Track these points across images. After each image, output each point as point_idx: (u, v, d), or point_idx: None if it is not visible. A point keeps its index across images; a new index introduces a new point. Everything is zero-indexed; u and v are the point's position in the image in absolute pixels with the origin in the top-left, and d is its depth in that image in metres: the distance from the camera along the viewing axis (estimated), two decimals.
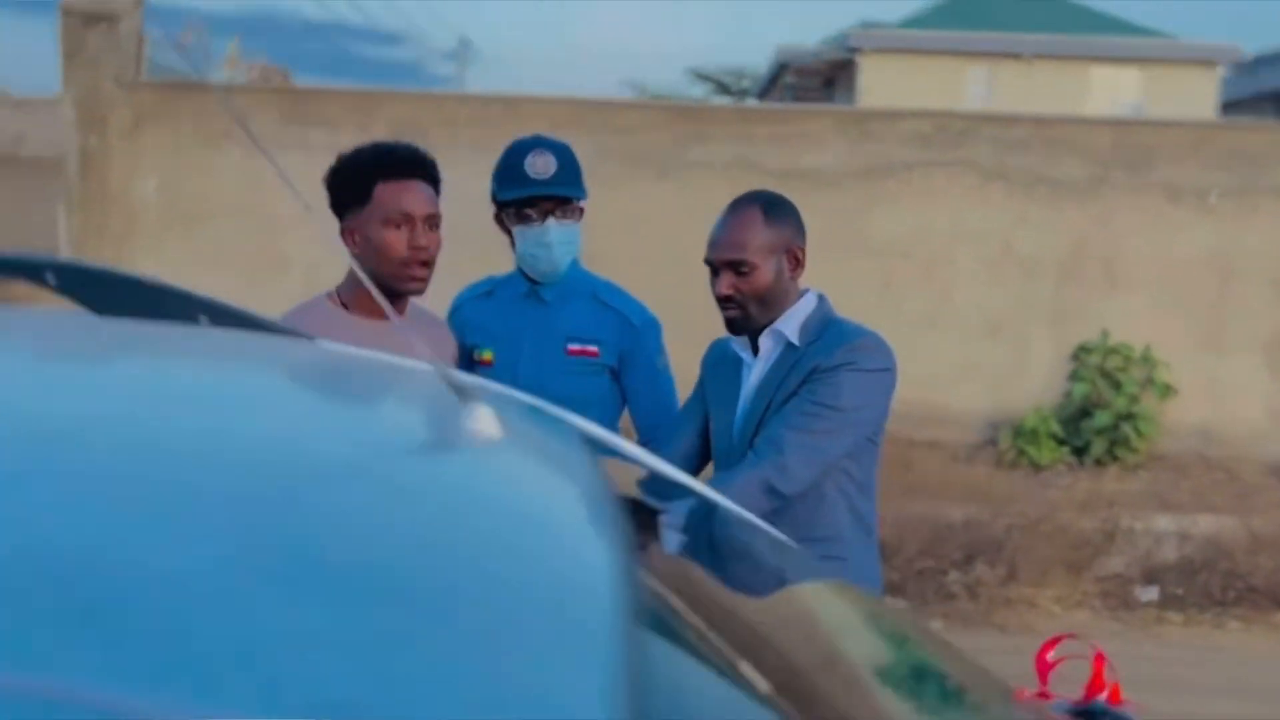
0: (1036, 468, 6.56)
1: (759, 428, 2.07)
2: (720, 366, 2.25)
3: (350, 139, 7.77)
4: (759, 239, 2.06)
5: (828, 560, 2.09)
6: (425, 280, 2.14)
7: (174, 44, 7.96)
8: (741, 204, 2.11)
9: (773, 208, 2.10)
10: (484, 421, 0.83)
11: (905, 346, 8.12)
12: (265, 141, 2.31)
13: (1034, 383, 7.10)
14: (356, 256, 2.06)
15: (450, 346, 2.31)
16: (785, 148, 7.21)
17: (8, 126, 13.17)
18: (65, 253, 7.23)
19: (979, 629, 4.39)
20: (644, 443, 2.51)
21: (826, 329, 2.09)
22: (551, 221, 2.34)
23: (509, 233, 2.42)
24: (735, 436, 2.15)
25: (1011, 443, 6.87)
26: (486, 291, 2.52)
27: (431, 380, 0.88)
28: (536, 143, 2.39)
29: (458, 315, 2.52)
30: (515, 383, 2.40)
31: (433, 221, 2.13)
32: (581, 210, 2.42)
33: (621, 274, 8.20)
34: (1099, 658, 1.53)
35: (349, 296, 2.13)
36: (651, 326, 2.49)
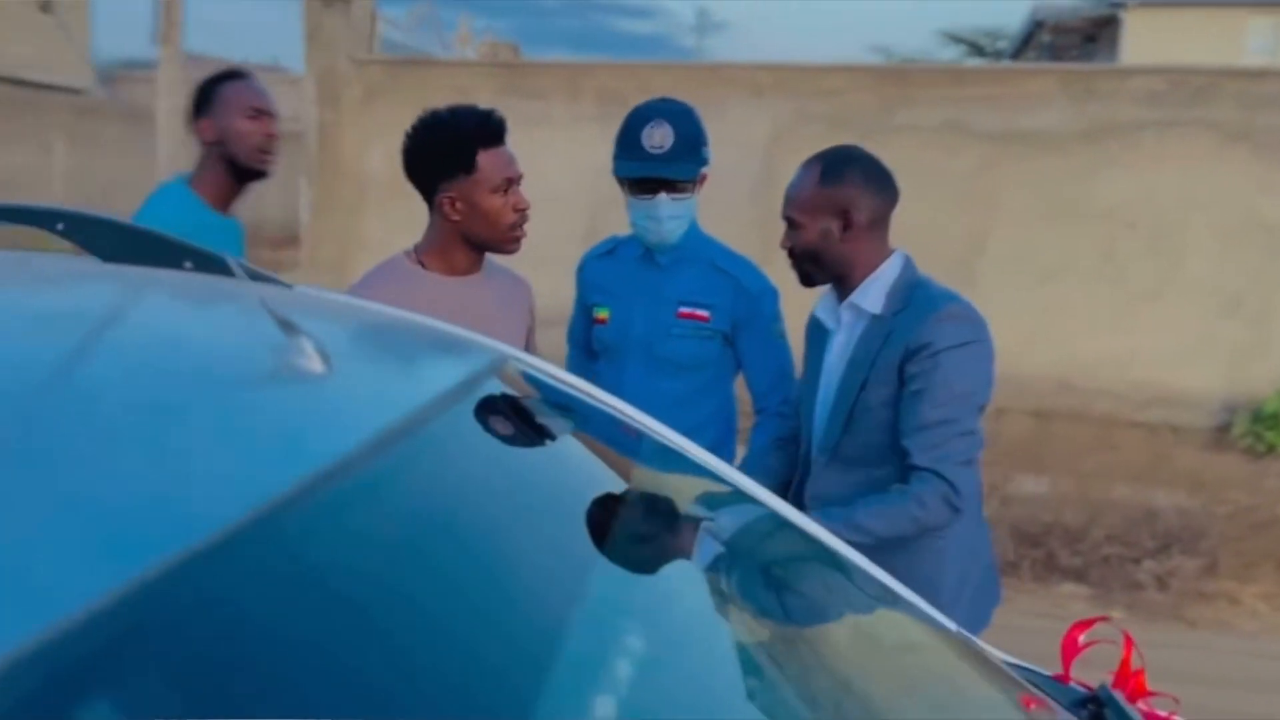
0: (1275, 454, 5.99)
1: (854, 404, 2.01)
2: (813, 337, 2.20)
3: (561, 110, 7.93)
4: (807, 197, 1.99)
5: (930, 539, 2.00)
6: (524, 237, 2.20)
7: (404, 24, 8.43)
8: (810, 161, 2.04)
9: (833, 167, 2.00)
10: (304, 355, 0.88)
11: (1128, 320, 7.64)
12: None
13: (1277, 363, 6.47)
14: (455, 221, 2.14)
15: (527, 300, 2.35)
16: (1001, 109, 6.86)
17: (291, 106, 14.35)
18: (305, 218, 7.86)
19: (1165, 623, 4.08)
20: (758, 410, 2.49)
21: (913, 295, 1.98)
22: (663, 197, 2.32)
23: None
24: (828, 411, 2.08)
25: (1248, 427, 6.31)
26: (608, 250, 2.54)
27: (310, 316, 0.94)
28: (657, 110, 2.34)
29: (581, 274, 2.57)
30: (627, 342, 2.44)
31: (520, 181, 2.20)
32: (698, 182, 2.37)
33: None
34: (1128, 644, 1.43)
35: (427, 255, 2.20)
36: (767, 293, 2.43)
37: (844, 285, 2.05)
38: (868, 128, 6.91)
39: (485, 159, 2.11)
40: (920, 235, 7.20)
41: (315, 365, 0.88)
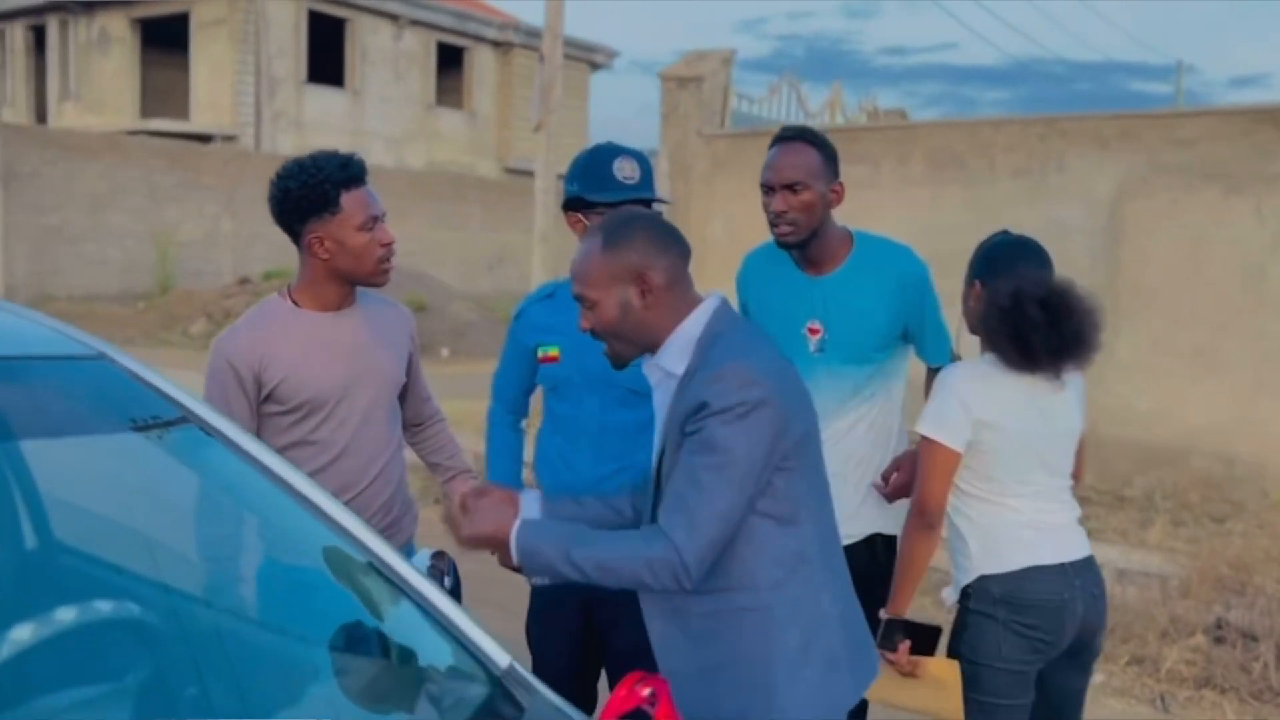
0: None
1: (659, 473, 1.86)
2: None
3: (890, 173, 7.77)
4: (595, 272, 1.84)
5: (744, 613, 1.80)
6: (392, 270, 2.34)
7: (759, 97, 8.65)
8: (589, 231, 1.91)
9: (615, 233, 1.85)
10: None
11: None
12: None
13: None
14: (324, 259, 2.26)
15: (407, 327, 2.49)
16: None
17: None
18: None
19: None
20: None
21: (709, 351, 1.81)
22: None
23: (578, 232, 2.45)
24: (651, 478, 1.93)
25: None
26: (548, 294, 2.58)
27: None
28: (620, 150, 2.45)
29: (522, 318, 2.61)
30: (583, 376, 2.46)
31: (384, 218, 2.30)
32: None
33: (1180, 303, 7.26)
34: (662, 702, 1.54)
35: (299, 293, 2.33)
36: None
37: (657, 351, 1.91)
38: (1235, 178, 6.15)
39: (348, 199, 2.24)
40: None
41: None
